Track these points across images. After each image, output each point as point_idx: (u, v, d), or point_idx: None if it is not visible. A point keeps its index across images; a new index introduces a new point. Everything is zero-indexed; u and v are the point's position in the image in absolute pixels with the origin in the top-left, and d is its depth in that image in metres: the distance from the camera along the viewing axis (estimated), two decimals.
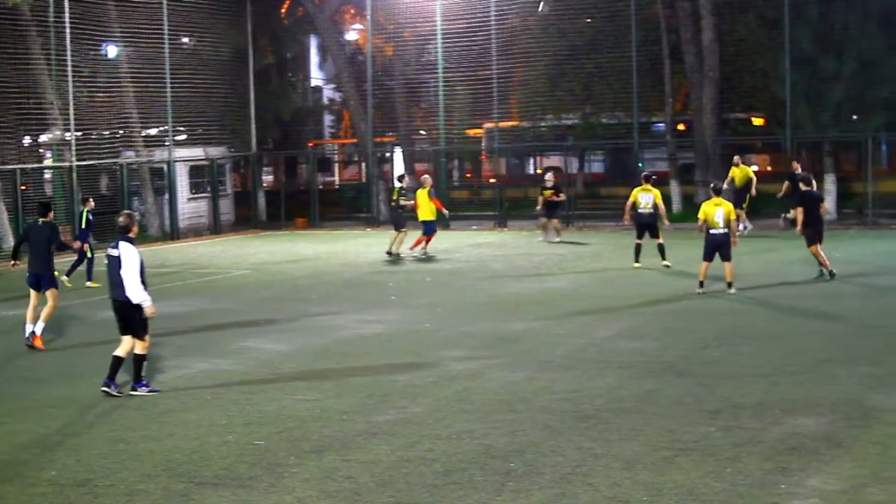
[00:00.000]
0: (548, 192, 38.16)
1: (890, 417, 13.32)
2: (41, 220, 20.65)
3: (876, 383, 15.24)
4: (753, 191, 38.65)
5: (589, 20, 50.19)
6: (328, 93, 71.18)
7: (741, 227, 36.70)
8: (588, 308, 23.12)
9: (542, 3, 19.99)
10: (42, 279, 20.46)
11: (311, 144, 62.96)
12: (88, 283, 28.55)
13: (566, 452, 12.11)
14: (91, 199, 29.87)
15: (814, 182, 27.40)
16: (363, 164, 56.60)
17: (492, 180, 56.10)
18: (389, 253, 34.07)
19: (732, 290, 24.16)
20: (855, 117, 44.36)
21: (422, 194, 34.92)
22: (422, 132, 56.64)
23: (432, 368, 17.23)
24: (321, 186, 58.01)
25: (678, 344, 18.70)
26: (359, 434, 13.19)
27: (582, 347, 18.70)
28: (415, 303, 24.66)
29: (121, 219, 16.25)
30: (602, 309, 22.88)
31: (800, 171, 36.37)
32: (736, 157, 39.39)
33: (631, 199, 29.48)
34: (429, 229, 35.04)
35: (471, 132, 53.68)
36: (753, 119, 49.93)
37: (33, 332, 20.03)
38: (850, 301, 23.10)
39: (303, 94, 67.78)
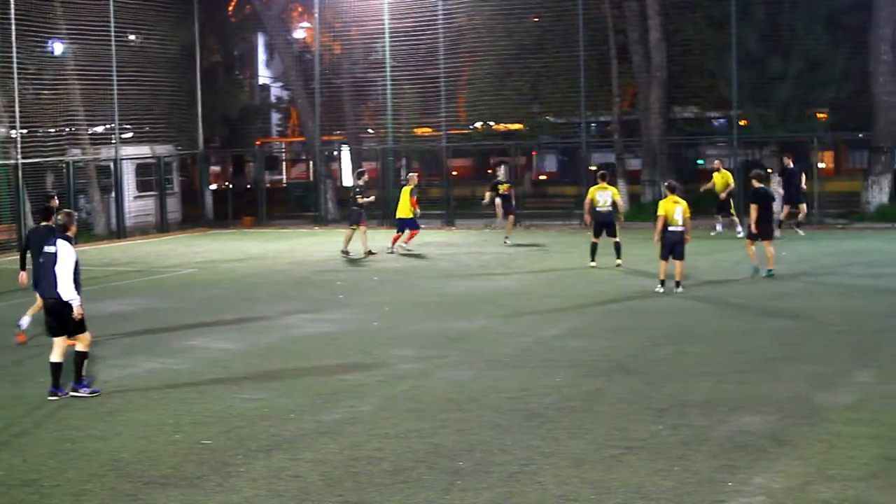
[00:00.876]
0: (504, 187, 37.52)
1: (835, 415, 13.42)
2: (44, 223, 20.23)
3: (822, 381, 15.35)
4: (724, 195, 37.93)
5: (536, 20, 50.26)
6: (276, 91, 70.96)
7: (718, 227, 37.57)
8: (536, 307, 23.16)
9: None
10: None
11: (258, 143, 62.72)
12: None
13: (514, 451, 12.13)
14: (56, 198, 29.78)
15: (768, 179, 27.79)
16: (311, 163, 56.42)
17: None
18: (345, 252, 33.94)
19: (680, 289, 24.27)
20: (801, 117, 44.69)
21: (405, 192, 35.18)
22: (369, 131, 56.59)
23: (381, 367, 17.22)
24: (268, 185, 57.79)
25: (626, 343, 18.78)
26: (307, 433, 13.17)
27: (530, 346, 18.74)
28: (363, 302, 24.62)
29: (59, 217, 16.20)
30: (550, 308, 22.93)
31: (791, 165, 36.77)
32: (717, 162, 38.76)
33: (589, 198, 29.28)
34: (402, 226, 35.28)
35: (419, 131, 53.68)
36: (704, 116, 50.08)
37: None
38: (797, 300, 23.26)
39: (250, 93, 67.56)
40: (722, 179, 37.82)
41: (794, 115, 44.40)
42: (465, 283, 27.33)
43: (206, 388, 15.94)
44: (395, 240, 35.18)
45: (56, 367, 15.68)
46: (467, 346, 18.90)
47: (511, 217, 37.88)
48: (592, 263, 28.97)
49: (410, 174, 38.32)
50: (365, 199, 34.55)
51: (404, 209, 34.98)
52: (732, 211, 38.02)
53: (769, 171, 34.60)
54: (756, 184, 26.79)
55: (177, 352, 19.02)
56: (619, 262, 28.72)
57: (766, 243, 26.22)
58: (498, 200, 37.45)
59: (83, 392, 15.62)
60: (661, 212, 24.49)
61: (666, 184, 25.68)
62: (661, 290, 24.39)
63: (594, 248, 29.11)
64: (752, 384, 15.25)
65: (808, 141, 44.17)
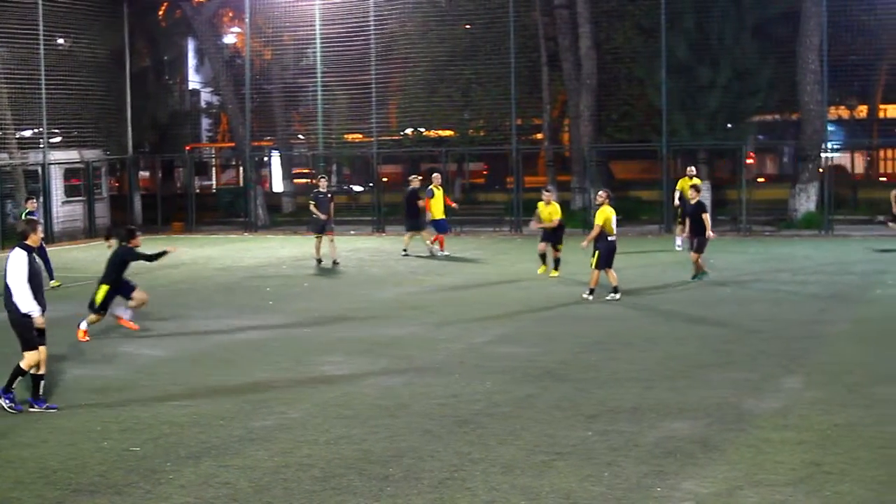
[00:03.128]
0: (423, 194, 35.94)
1: (762, 421, 13.53)
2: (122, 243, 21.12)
3: (749, 388, 15.48)
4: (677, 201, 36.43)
5: (468, 27, 50.38)
6: (206, 96, 70.63)
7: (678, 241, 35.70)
8: (466, 313, 23.19)
9: None
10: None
11: (188, 148, 62.39)
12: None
13: (444, 457, 12.14)
14: (34, 199, 29.69)
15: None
16: (241, 169, 56.22)
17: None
18: (318, 260, 33.15)
19: (618, 296, 24.34)
20: (729, 125, 45.05)
21: (438, 194, 35.12)
22: (300, 136, 56.46)
23: (310, 374, 17.18)
24: (198, 190, 57.51)
25: (556, 349, 18.84)
26: (236, 440, 13.11)
27: (460, 352, 18.75)
28: (292, 308, 24.55)
29: (19, 225, 15.79)
30: (481, 314, 22.97)
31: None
32: (691, 169, 36.31)
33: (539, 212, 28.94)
34: (440, 228, 35.34)
35: (349, 137, 53.62)
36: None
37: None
38: (726, 306, 23.44)
39: (180, 98, 67.14)
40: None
41: (723, 124, 44.77)
42: (396, 290, 27.32)
43: (135, 395, 15.83)
44: (438, 240, 35.20)
45: (35, 379, 15.09)
46: (397, 352, 18.88)
47: (424, 233, 36.24)
48: (542, 270, 29.03)
49: (435, 174, 37.01)
50: (313, 209, 33.53)
51: (439, 210, 34.94)
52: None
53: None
54: (694, 195, 27.47)
55: (105, 358, 18.89)
56: (555, 273, 28.66)
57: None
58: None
59: (4, 402, 15.10)
60: (599, 220, 24.53)
61: (603, 192, 25.63)
62: (591, 297, 24.48)
63: (543, 255, 29.09)
64: (681, 390, 15.35)
65: (736, 149, 44.53)
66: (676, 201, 36.07)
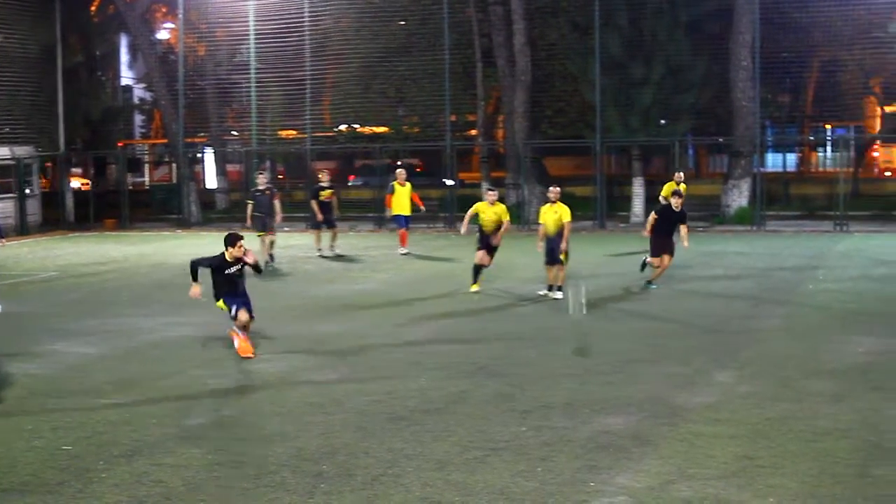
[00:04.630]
0: (326, 193, 34.60)
1: (695, 415, 13.61)
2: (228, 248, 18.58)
3: (682, 382, 15.57)
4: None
5: (402, 23, 50.41)
6: (139, 92, 70.26)
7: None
8: (400, 310, 23.18)
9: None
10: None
11: (120, 144, 62.01)
12: None
13: (378, 454, 12.12)
14: None
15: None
16: (174, 165, 55.93)
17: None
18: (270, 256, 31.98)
19: (559, 294, 24.32)
20: (663, 122, 45.30)
21: (405, 190, 34.79)
22: (233, 133, 56.27)
23: (244, 371, 17.11)
24: (131, 187, 57.15)
25: (490, 345, 18.87)
26: (169, 438, 13.03)
27: (394, 349, 18.74)
28: None
29: None
30: (414, 311, 22.96)
31: None
32: (679, 175, 34.12)
33: (474, 212, 25.99)
34: (400, 224, 35.12)
35: (283, 133, 53.49)
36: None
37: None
38: (659, 302, 23.57)
39: (113, 94, 66.72)
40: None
41: (656, 120, 45.02)
42: (330, 287, 27.27)
43: (67, 393, 15.70)
44: (400, 237, 34.96)
45: None
46: (331, 349, 18.83)
47: (333, 230, 35.01)
48: (476, 287, 25.53)
49: (399, 170, 36.35)
50: (249, 206, 32.63)
51: (400, 206, 34.74)
52: None
53: None
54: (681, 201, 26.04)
55: (36, 357, 18.70)
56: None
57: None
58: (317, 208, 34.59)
59: None
60: (567, 218, 24.37)
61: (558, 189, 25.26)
62: (546, 294, 24.42)
63: (479, 269, 25.70)
64: (615, 385, 15.42)
65: (670, 145, 44.78)
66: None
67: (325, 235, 34.59)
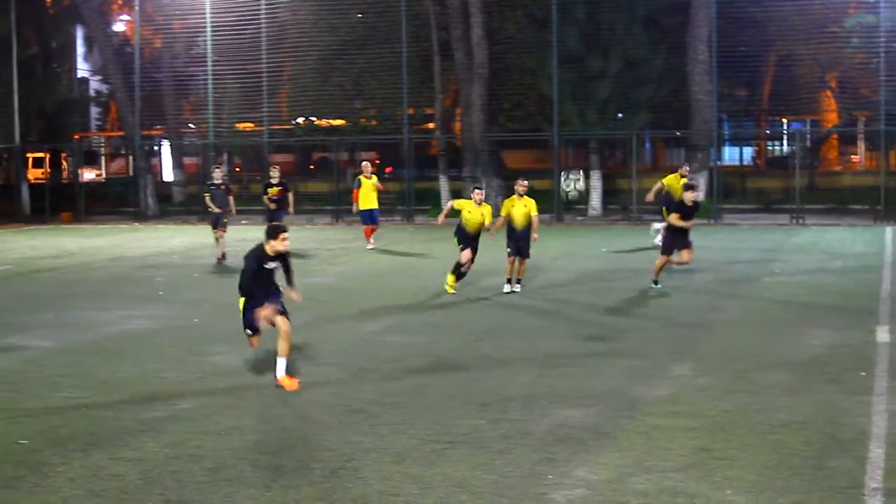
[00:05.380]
0: (273, 191, 33.87)
1: (653, 408, 13.65)
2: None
3: (640, 375, 15.60)
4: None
5: (360, 15, 50.34)
6: (95, 84, 69.91)
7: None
8: (357, 303, 23.15)
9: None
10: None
11: (76, 137, 61.72)
12: None
13: (336, 447, 12.09)
14: None
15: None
16: (130, 158, 55.69)
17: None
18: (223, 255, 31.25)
19: (518, 287, 24.30)
20: (620, 115, 45.45)
21: (370, 182, 34.35)
22: (190, 126, 56.10)
23: (201, 364, 17.04)
24: (87, 180, 56.86)
25: (448, 338, 18.87)
26: (126, 432, 12.95)
27: (352, 342, 18.72)
28: (183, 298, 24.36)
29: None
30: (372, 304, 22.94)
31: None
32: (685, 168, 33.45)
33: (455, 206, 25.32)
34: (367, 219, 34.73)
35: (240, 126, 53.36)
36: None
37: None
38: (616, 295, 23.63)
39: (68, 86, 66.37)
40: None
41: (614, 113, 45.18)
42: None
43: (23, 387, 15.58)
44: (365, 232, 34.67)
45: None
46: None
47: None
48: (452, 284, 24.36)
49: (364, 163, 36.20)
50: (208, 202, 31.95)
51: (367, 200, 34.35)
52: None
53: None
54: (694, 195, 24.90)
55: None
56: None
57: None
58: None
59: None
60: (535, 211, 24.27)
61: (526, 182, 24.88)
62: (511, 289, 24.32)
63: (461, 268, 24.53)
64: (573, 378, 15.44)
65: (627, 139, 44.93)
66: (652, 196, 32.76)
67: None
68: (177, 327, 20.51)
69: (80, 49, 68.53)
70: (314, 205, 48.82)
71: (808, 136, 52.67)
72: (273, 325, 15.50)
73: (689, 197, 24.60)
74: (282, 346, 15.30)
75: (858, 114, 50.80)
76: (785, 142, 61.30)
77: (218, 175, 32.57)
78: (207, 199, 32.02)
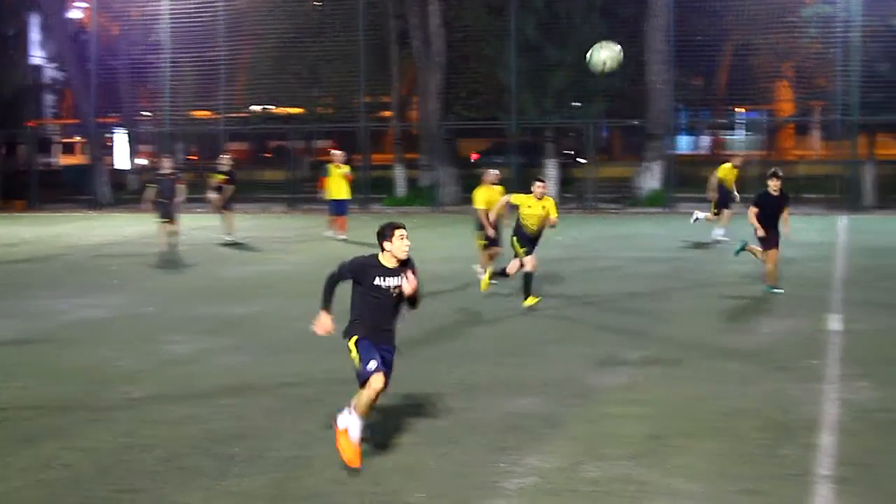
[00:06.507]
0: (218, 177, 33.71)
1: (605, 396, 13.71)
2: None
3: (593, 363, 15.68)
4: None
5: (317, 3, 50.26)
6: (50, 72, 69.41)
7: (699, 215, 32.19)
8: (313, 291, 22.95)
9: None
10: None
11: (30, 124, 61.23)
12: None
13: (291, 436, 12.09)
14: None
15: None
16: (85, 146, 55.39)
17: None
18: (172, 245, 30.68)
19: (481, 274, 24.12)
20: (577, 104, 45.53)
21: (340, 172, 33.69)
22: (146, 113, 55.86)
23: (155, 353, 16.97)
24: (41, 168, 56.49)
25: (403, 327, 18.83)
26: (78, 421, 12.90)
27: (307, 330, 18.63)
28: (138, 286, 24.28)
29: None
30: (317, 291, 22.89)
31: None
32: (736, 159, 33.53)
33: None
34: (336, 209, 33.91)
35: (197, 114, 53.17)
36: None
37: None
38: (570, 283, 23.69)
39: (23, 73, 65.83)
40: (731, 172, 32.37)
41: (570, 102, 45.27)
42: (242, 268, 27.16)
43: None
44: (335, 223, 33.88)
45: None
46: (244, 331, 18.76)
47: (227, 213, 33.79)
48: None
49: (335, 152, 35.35)
50: (150, 190, 31.26)
51: (336, 190, 33.64)
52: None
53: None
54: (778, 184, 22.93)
55: None
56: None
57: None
58: (215, 194, 33.69)
59: None
60: (483, 204, 23.94)
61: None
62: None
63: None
64: (526, 366, 15.49)
65: (583, 127, 45.02)
66: (715, 193, 32.12)
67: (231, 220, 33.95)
68: (131, 316, 20.44)
69: (36, 36, 67.98)
70: (270, 193, 48.72)
71: (765, 125, 52.88)
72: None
73: (774, 185, 22.53)
74: (363, 401, 11.14)
75: (814, 104, 51.02)
76: (740, 132, 61.52)
77: (166, 165, 31.89)
78: (151, 191, 31.25)
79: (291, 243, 32.61)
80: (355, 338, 11.59)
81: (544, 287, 22.91)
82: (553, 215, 20.83)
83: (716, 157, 59.07)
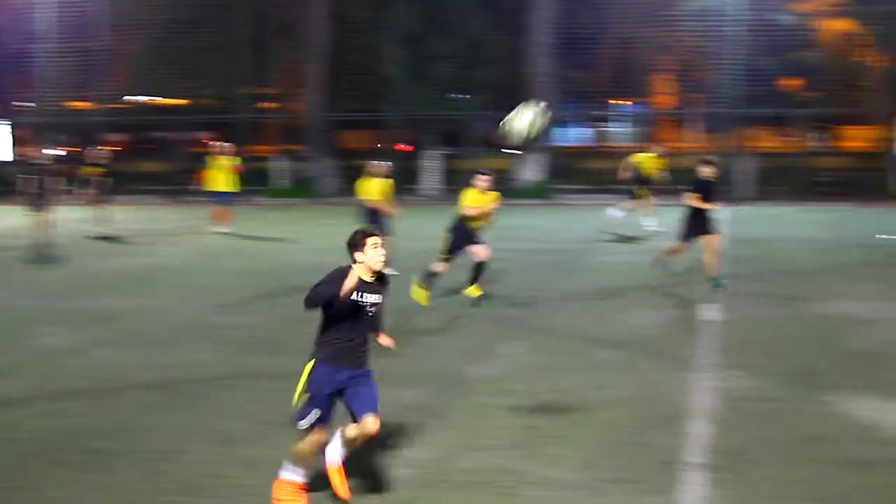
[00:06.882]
0: (90, 170, 33.19)
1: (483, 387, 13.72)
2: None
3: (471, 354, 15.70)
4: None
5: None
6: None
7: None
8: (189, 283, 22.94)
9: None
10: None
11: None
12: None
13: (164, 430, 11.95)
14: None
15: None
16: None
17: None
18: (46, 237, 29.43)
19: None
20: (459, 96, 45.65)
21: (225, 162, 33.10)
22: (24, 104, 55.09)
23: (28, 347, 16.69)
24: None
25: (278, 320, 18.76)
26: None
27: (183, 323, 18.53)
28: (12, 279, 23.93)
29: None
30: (203, 284, 22.76)
31: None
32: (658, 146, 33.38)
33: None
34: (218, 201, 33.30)
35: (77, 104, 52.55)
36: None
37: None
38: (448, 275, 23.63)
39: None
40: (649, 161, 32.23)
41: (453, 94, 45.39)
42: (120, 261, 26.84)
43: None
44: (217, 215, 33.23)
45: None
46: (119, 324, 18.51)
47: (103, 205, 33.02)
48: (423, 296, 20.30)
49: (217, 143, 34.55)
50: (22, 180, 30.00)
51: (218, 181, 33.12)
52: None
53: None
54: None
55: None
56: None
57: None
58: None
59: None
60: (377, 196, 23.75)
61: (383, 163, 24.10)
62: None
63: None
64: (404, 358, 15.37)
65: (466, 119, 45.17)
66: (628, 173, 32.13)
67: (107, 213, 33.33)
68: (5, 308, 20.13)
69: None
70: (148, 185, 48.30)
71: (646, 118, 53.34)
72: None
73: (710, 172, 21.46)
74: (350, 435, 9.98)
75: (696, 96, 51.59)
76: (620, 124, 62.07)
77: (39, 155, 31.16)
78: (23, 181, 30.51)
79: (171, 235, 32.29)
80: (313, 363, 9.97)
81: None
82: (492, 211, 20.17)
83: (599, 149, 59.58)
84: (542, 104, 16.21)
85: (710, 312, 19.01)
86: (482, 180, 19.96)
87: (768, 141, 51.90)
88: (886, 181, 45.15)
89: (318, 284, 9.66)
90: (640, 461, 10.76)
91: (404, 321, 18.41)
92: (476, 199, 20.02)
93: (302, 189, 46.36)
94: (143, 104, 53.69)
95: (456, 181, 45.65)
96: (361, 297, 9.61)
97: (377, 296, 9.72)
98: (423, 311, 19.38)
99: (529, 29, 44.82)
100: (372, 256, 9.57)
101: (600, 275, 24.15)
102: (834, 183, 45.74)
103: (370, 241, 9.58)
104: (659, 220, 31.09)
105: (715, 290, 21.16)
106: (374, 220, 23.70)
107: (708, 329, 17.63)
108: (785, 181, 45.52)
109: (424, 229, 29.02)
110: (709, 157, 22.15)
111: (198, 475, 10.49)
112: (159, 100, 54.30)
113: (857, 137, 51.77)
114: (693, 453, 10.98)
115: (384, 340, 10.47)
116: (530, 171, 44.88)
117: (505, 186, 44.34)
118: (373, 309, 9.76)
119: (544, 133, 14.36)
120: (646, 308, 19.74)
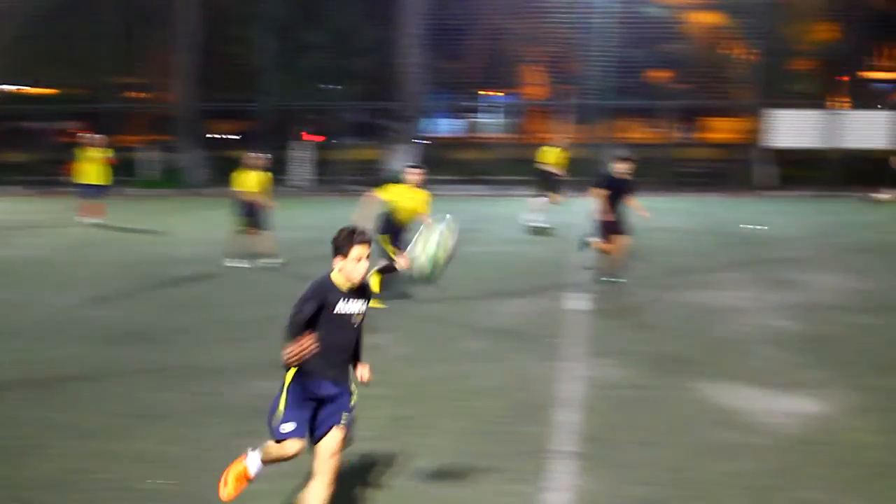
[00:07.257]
0: None
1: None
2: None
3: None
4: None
5: None
6: None
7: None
8: (55, 275, 22.64)
9: None
10: None
11: None
12: None
13: (26, 425, 11.76)
14: None
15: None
16: None
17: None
18: None
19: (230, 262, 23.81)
20: (329, 86, 45.55)
21: (96, 154, 32.33)
22: None
23: None
24: None
25: (145, 310, 18.58)
26: None
27: (48, 316, 18.26)
28: None
29: None
30: (70, 276, 22.46)
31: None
32: (565, 139, 33.46)
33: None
34: (86, 194, 32.45)
35: None
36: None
37: None
38: (309, 266, 23.43)
39: None
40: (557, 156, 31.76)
41: (323, 84, 45.31)
42: None
43: None
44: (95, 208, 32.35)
45: None
46: None
47: None
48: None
49: (88, 135, 33.72)
50: None
51: (87, 174, 32.25)
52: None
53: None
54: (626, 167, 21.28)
55: None
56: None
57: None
58: None
59: None
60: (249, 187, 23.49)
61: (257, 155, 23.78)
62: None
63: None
64: (270, 350, 15.28)
65: (336, 110, 45.08)
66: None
67: None
68: None
69: None
70: (14, 175, 47.56)
71: (515, 109, 53.57)
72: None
73: (624, 168, 20.97)
74: (271, 454, 9.21)
75: (565, 87, 51.94)
76: (491, 115, 62.32)
77: None
78: None
79: (38, 227, 31.80)
80: (294, 371, 9.10)
81: (287, 269, 22.85)
82: (425, 209, 19.16)
83: (470, 140, 59.78)
84: (447, 218, 13.30)
85: (578, 302, 19.16)
86: (413, 174, 19.38)
87: (637, 132, 52.44)
88: (751, 172, 45.87)
89: (297, 307, 9.07)
90: (508, 450, 10.82)
91: (274, 313, 18.32)
92: (405, 194, 19.33)
93: (172, 180, 45.96)
94: (10, 93, 52.81)
95: (326, 172, 45.61)
96: (346, 305, 8.99)
97: (361, 302, 9.00)
98: (286, 302, 19.25)
99: (400, 19, 44.85)
100: (352, 269, 8.91)
101: (466, 264, 24.17)
102: (700, 174, 46.37)
103: (355, 252, 8.89)
104: (547, 217, 30.89)
105: (608, 284, 21.05)
106: (251, 214, 23.60)
107: (576, 318, 17.78)
108: (652, 172, 46.03)
109: (297, 220, 28.98)
110: (625, 154, 21.31)
111: (62, 470, 10.35)
112: (26, 89, 53.45)
113: (724, 129, 52.45)
114: (560, 441, 11.08)
115: (363, 374, 9.44)
116: (400, 161, 44.88)
117: (374, 177, 44.44)
118: (359, 317, 9.04)
119: (453, 255, 13.24)
120: (510, 297, 19.86)
